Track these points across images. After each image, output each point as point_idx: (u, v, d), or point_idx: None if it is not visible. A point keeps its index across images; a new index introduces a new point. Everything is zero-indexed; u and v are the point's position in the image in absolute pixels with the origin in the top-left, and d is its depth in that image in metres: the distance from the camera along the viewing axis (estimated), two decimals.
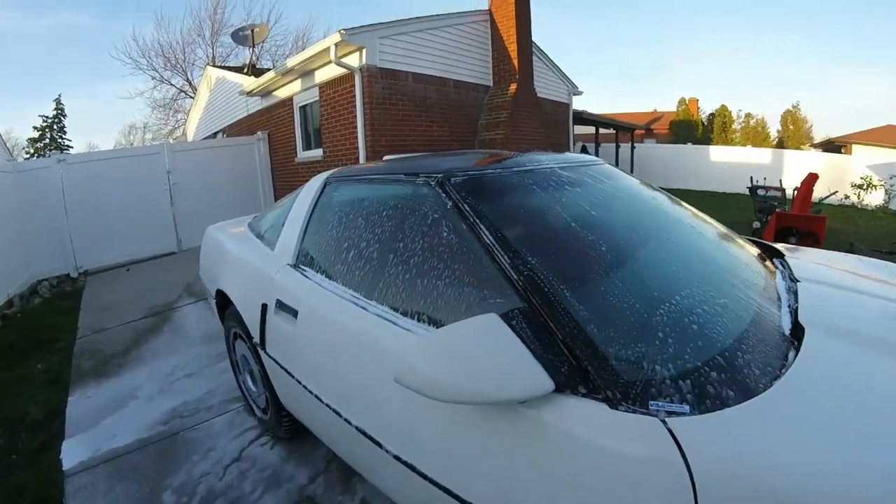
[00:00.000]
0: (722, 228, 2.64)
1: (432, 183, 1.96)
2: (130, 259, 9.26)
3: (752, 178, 11.13)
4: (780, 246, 2.80)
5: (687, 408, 1.21)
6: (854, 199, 11.83)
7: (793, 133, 32.53)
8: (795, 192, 9.32)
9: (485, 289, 1.62)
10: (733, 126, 33.49)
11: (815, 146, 30.85)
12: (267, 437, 3.12)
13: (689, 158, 21.42)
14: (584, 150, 20.13)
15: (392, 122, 8.47)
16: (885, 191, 11.25)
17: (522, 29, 9.93)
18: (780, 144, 31.17)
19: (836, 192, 11.36)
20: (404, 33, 8.63)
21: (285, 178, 11.27)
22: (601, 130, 20.61)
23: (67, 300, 7.05)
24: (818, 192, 10.85)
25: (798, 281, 2.07)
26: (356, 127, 8.31)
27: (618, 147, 20.38)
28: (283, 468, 2.82)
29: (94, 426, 3.41)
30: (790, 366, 1.38)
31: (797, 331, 1.59)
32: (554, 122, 12.85)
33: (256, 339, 2.72)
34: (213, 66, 16.82)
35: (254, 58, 24.64)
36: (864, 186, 11.34)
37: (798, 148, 28.96)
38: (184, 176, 10.21)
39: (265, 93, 11.41)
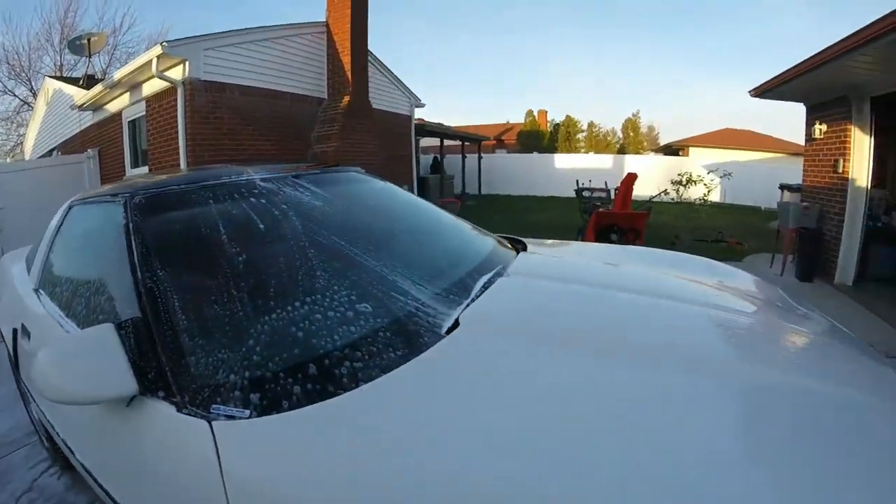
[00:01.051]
0: (464, 229, 2.84)
1: (120, 201, 2.01)
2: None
3: (577, 180, 11.98)
4: (534, 241, 3.02)
5: (247, 412, 1.26)
6: (673, 195, 13.04)
7: (633, 139, 35.18)
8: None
9: (126, 301, 1.69)
10: (578, 135, 35.79)
11: (656, 150, 33.52)
12: (56, 468, 3.20)
13: (535, 166, 22.85)
14: (435, 161, 20.89)
15: (216, 137, 8.52)
16: (704, 185, 12.57)
17: (357, 42, 10.30)
18: (622, 150, 33.52)
19: (666, 190, 12.31)
20: (233, 45, 8.71)
21: None
22: (452, 142, 21.40)
23: None
24: (649, 191, 11.99)
25: (505, 275, 2.15)
26: (178, 142, 8.27)
27: (464, 157, 21.38)
28: (66, 496, 2.94)
29: None
30: (403, 365, 1.44)
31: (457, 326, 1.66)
32: (395, 134, 13.37)
33: (13, 364, 2.77)
34: (52, 76, 15.98)
35: (103, 67, 23.64)
36: (684, 182, 12.56)
37: (638, 153, 31.50)
38: (12, 199, 9.38)
39: (97, 107, 11.01)
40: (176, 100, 8.21)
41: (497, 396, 1.30)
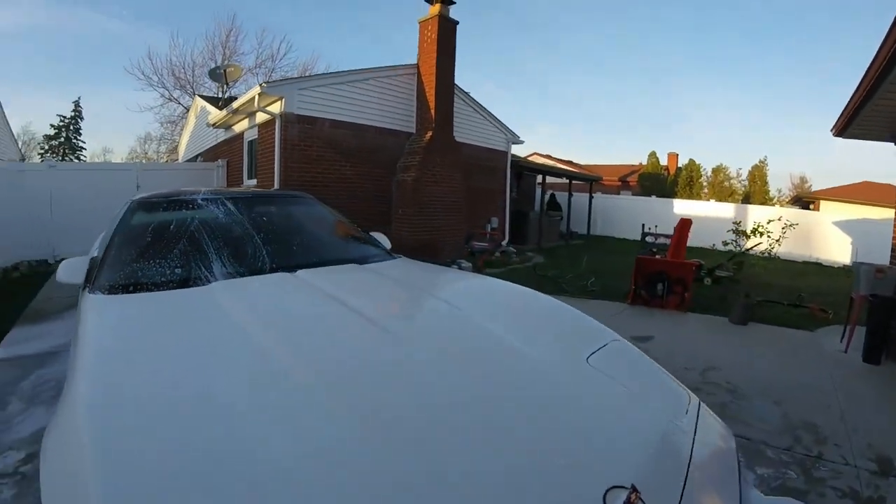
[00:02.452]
0: (334, 247, 3.82)
1: (129, 202, 3.62)
2: (95, 255, 10.89)
3: (643, 225, 11.90)
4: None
5: (100, 294, 2.57)
6: (731, 245, 11.85)
7: (759, 188, 32.43)
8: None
9: (103, 248, 3.16)
10: (701, 180, 33.76)
11: (791, 202, 31.45)
12: None
13: (652, 210, 21.66)
14: (552, 198, 20.96)
15: (306, 161, 9.82)
16: (768, 236, 11.14)
17: (442, 83, 11.28)
18: (747, 199, 31.21)
19: (760, 242, 11.45)
20: (325, 85, 10.03)
21: None
22: (575, 182, 21.34)
23: (37, 277, 8.95)
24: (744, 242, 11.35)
25: (293, 274, 2.89)
26: (274, 163, 9.69)
27: (570, 196, 20.87)
28: None
29: (19, 343, 5.43)
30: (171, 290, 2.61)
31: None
32: (487, 169, 14.17)
33: None
34: (201, 95, 18.47)
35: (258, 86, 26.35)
36: (748, 233, 11.21)
37: (763, 203, 29.27)
38: (150, 191, 11.57)
39: (227, 126, 12.88)
40: (274, 129, 9.62)
41: (168, 314, 2.34)
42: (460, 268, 7.43)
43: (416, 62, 11.54)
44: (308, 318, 2.33)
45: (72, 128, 39.31)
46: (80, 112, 39.66)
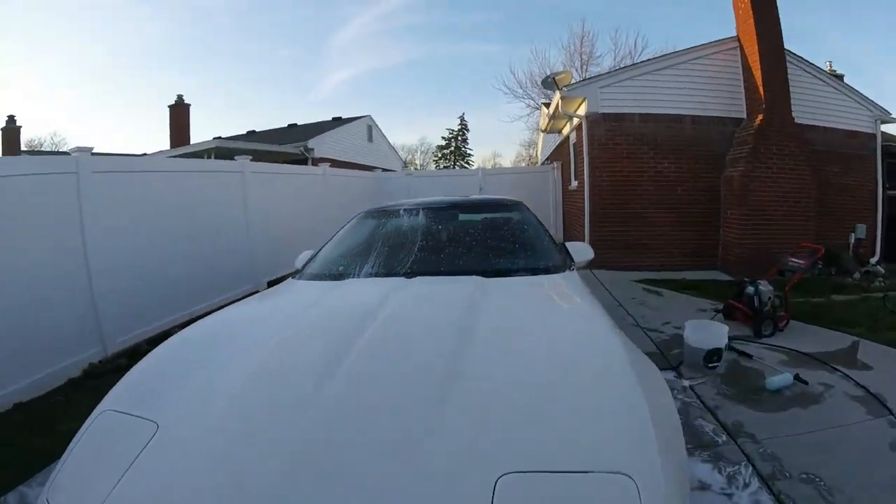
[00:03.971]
0: (510, 260, 3.51)
1: (361, 212, 4.50)
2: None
3: None
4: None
5: (301, 281, 3.44)
6: None
7: None
8: None
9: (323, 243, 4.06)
10: None
11: None
12: None
13: None
14: None
15: (614, 160, 9.78)
16: None
17: (768, 52, 9.28)
18: None
19: None
20: (629, 79, 9.81)
21: (565, 203, 13.74)
22: None
23: None
24: None
25: (411, 281, 3.03)
26: (584, 163, 10.01)
27: None
28: None
29: None
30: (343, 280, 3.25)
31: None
32: (847, 158, 10.84)
33: None
34: (544, 103, 19.82)
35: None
36: None
37: None
38: (491, 192, 12.97)
39: (558, 130, 13.76)
40: (583, 130, 9.96)
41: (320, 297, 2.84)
42: (756, 290, 5.65)
43: (734, 35, 9.91)
44: (336, 329, 2.30)
45: (459, 138, 47.89)
46: (465, 125, 48.69)
